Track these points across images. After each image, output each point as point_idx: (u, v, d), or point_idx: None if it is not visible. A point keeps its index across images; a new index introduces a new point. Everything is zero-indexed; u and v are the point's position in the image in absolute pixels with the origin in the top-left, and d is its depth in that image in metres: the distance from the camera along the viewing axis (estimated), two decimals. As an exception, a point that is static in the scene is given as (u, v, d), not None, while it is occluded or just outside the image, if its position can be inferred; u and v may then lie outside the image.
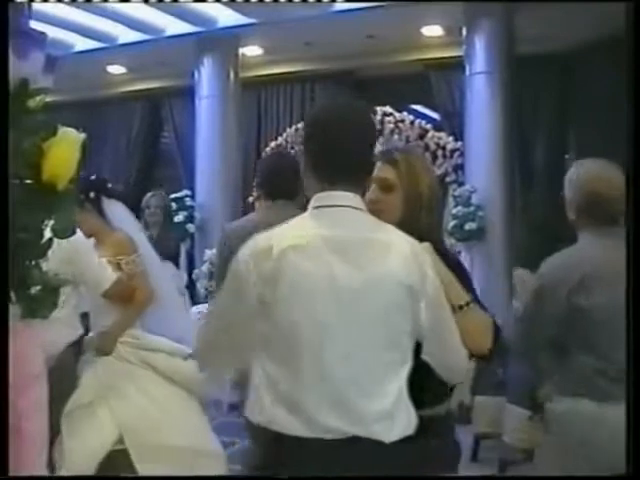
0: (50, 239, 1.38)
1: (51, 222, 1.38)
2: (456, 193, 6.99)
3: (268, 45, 8.20)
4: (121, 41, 8.07)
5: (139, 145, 9.84)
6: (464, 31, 7.11)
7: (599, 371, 2.38)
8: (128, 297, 3.43)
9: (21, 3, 1.41)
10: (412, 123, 7.43)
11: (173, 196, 7.88)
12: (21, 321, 1.36)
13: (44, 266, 1.40)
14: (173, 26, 7.77)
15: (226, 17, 7.55)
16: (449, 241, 6.59)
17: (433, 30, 7.65)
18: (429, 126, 7.45)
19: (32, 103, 1.35)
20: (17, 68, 1.32)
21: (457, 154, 7.28)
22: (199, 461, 3.33)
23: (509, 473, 4.58)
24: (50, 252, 1.40)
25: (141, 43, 7.97)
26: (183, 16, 7.51)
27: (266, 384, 1.71)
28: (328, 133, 1.81)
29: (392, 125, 7.39)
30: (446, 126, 7.77)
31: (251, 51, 8.34)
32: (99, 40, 8.05)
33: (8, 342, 1.30)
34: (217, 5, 7.28)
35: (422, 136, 7.43)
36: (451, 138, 7.36)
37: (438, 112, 8.15)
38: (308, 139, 1.86)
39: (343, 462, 1.67)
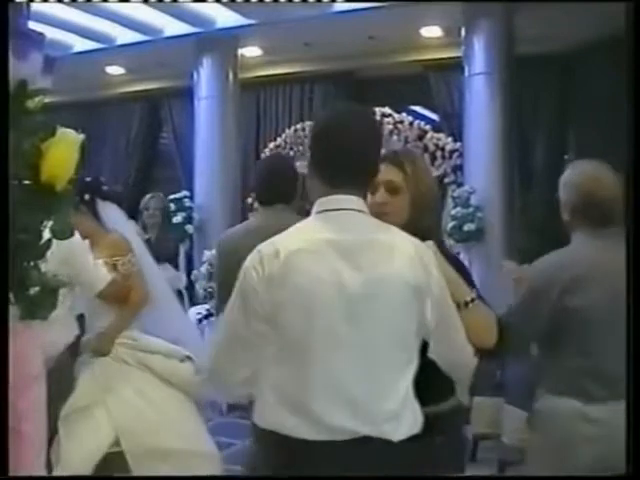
0: (49, 240, 1.38)
1: (50, 223, 1.38)
2: (455, 194, 6.98)
3: (267, 46, 8.19)
4: (120, 42, 8.05)
5: (138, 146, 9.82)
6: (463, 32, 7.11)
7: (586, 371, 2.41)
8: (123, 298, 3.42)
9: (20, 4, 1.41)
10: (411, 124, 7.42)
11: (172, 197, 7.88)
12: (21, 322, 1.36)
13: (43, 267, 1.39)
14: (172, 27, 7.76)
15: (225, 18, 7.54)
16: (448, 242, 6.59)
17: (432, 31, 7.64)
18: (428, 127, 7.44)
19: (31, 104, 1.35)
20: (16, 69, 1.32)
21: (456, 155, 7.26)
22: (194, 462, 3.33)
23: (508, 474, 4.58)
24: (49, 253, 1.39)
25: (140, 44, 7.95)
26: (182, 17, 7.50)
27: (274, 388, 1.73)
28: (332, 138, 1.83)
29: (391, 126, 7.38)
30: (445, 127, 7.76)
31: (250, 52, 8.33)
32: (98, 41, 8.03)
33: (8, 343, 1.30)
34: (216, 6, 7.27)
35: (421, 137, 7.42)
36: (450, 139, 7.35)
37: (437, 113, 8.15)
38: (313, 144, 1.88)
39: (352, 463, 1.68)
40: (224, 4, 7.17)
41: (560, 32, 6.96)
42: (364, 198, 1.85)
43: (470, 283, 2.11)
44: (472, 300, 2.02)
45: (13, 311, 1.33)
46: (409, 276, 1.75)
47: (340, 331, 1.70)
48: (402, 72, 8.16)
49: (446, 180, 7.21)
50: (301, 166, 3.46)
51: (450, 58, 7.54)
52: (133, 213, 5.71)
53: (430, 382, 1.83)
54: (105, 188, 3.67)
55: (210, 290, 6.57)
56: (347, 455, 1.68)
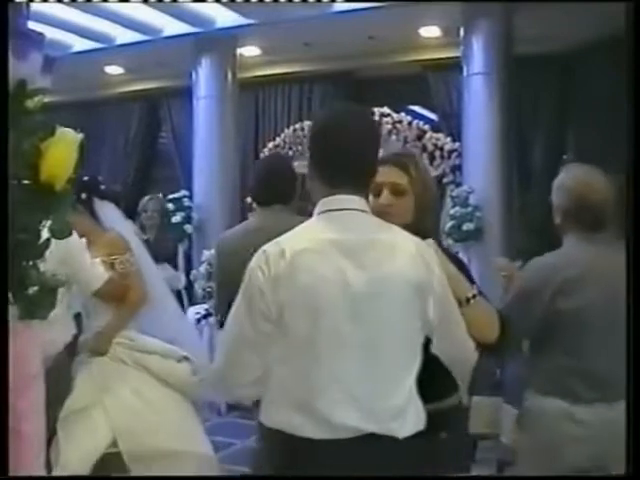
0: (48, 239, 1.38)
1: (49, 222, 1.38)
2: (454, 194, 6.99)
3: (266, 45, 8.19)
4: (119, 42, 8.06)
5: (137, 145, 9.83)
6: (462, 32, 7.11)
7: (574, 372, 2.43)
8: (121, 297, 3.42)
9: (19, 4, 1.40)
10: (410, 124, 7.42)
11: (171, 196, 7.89)
12: (20, 322, 1.36)
13: (41, 267, 1.39)
14: (171, 26, 7.76)
15: (224, 17, 7.54)
16: (447, 242, 6.60)
17: (431, 31, 7.65)
18: (427, 127, 7.44)
19: (30, 104, 1.35)
20: (15, 69, 1.32)
21: (455, 155, 7.26)
22: (189, 463, 3.33)
23: (507, 474, 4.58)
24: (48, 253, 1.39)
25: (139, 44, 7.96)
26: (181, 16, 7.51)
27: (279, 387, 1.74)
28: (331, 138, 1.84)
29: (390, 126, 7.38)
30: (444, 127, 7.77)
31: (249, 51, 8.33)
32: (97, 41, 8.03)
33: (8, 343, 1.30)
34: (215, 5, 7.27)
35: (420, 137, 7.42)
36: (449, 139, 7.35)
37: (436, 113, 8.16)
38: (312, 144, 1.89)
39: (358, 460, 1.70)
40: (223, 4, 7.17)
41: (560, 32, 6.96)
42: (365, 198, 1.87)
43: (470, 280, 2.15)
44: (473, 296, 2.06)
45: (12, 311, 1.33)
46: (411, 274, 1.77)
47: (345, 330, 1.71)
48: (401, 72, 8.17)
49: (445, 180, 7.22)
50: (299, 166, 3.46)
51: (449, 58, 7.55)
52: (132, 214, 5.70)
53: (434, 378, 1.84)
54: (102, 187, 3.66)
55: (209, 290, 6.57)
56: (353, 453, 1.70)
